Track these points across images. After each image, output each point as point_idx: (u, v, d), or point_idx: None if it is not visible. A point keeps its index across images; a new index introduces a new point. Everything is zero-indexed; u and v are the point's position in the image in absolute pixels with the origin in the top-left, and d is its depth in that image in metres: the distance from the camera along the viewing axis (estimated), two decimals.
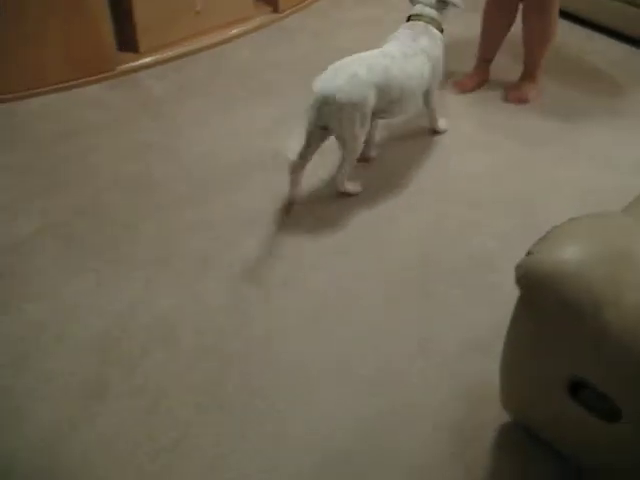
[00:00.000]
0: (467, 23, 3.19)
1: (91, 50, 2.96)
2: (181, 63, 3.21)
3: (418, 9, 2.53)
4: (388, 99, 2.37)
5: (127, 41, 3.11)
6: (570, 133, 2.90)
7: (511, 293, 1.46)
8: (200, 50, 3.30)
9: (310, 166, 2.41)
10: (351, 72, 2.25)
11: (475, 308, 2.09)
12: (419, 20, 2.51)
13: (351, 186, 2.48)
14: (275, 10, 3.61)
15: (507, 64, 3.24)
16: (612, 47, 3.52)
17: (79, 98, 2.97)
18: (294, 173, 2.40)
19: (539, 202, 2.52)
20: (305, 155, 2.32)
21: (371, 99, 2.29)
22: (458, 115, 2.96)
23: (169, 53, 3.21)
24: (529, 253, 1.41)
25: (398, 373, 1.89)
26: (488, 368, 1.72)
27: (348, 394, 1.83)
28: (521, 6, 2.94)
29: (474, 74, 3.16)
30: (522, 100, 3.09)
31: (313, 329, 2.02)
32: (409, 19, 2.54)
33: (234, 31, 3.43)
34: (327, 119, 2.27)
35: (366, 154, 2.60)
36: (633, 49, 3.49)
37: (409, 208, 2.48)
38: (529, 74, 3.10)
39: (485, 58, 3.16)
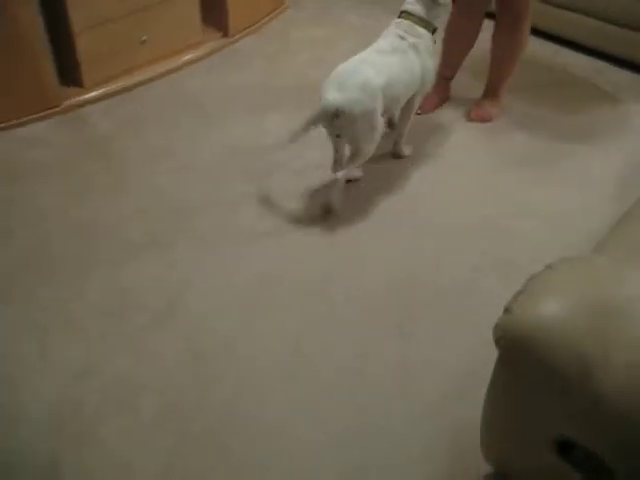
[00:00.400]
0: None
1: (32, 86, 2.80)
2: (129, 95, 3.06)
3: (408, 6, 2.46)
4: (390, 98, 2.35)
5: (71, 76, 2.96)
6: (539, 153, 2.83)
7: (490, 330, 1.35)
8: (149, 81, 3.15)
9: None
10: (361, 80, 2.21)
11: (454, 349, 2.00)
12: (407, 19, 2.45)
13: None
14: (225, 34, 3.48)
15: (467, 81, 3.15)
16: (579, 61, 3.46)
17: (22, 138, 2.80)
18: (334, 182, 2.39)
19: (512, 226, 2.45)
20: (339, 161, 2.41)
21: (381, 102, 2.27)
22: (422, 137, 2.87)
23: (116, 86, 3.06)
24: (507, 310, 1.30)
25: (378, 423, 1.80)
26: (470, 415, 1.61)
27: (326, 448, 1.73)
28: (491, 22, 2.85)
29: (434, 93, 3.06)
30: (485, 119, 3.01)
31: (283, 379, 1.91)
32: (400, 15, 2.48)
33: (183, 59, 3.29)
34: (340, 130, 2.25)
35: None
36: (601, 63, 3.43)
37: (379, 237, 2.40)
38: (492, 92, 3.02)
39: (446, 76, 3.07)
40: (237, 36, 3.52)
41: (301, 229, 2.41)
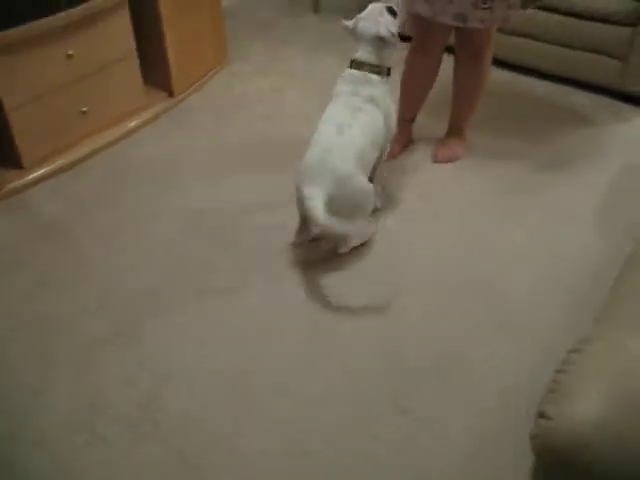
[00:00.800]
0: None
1: None
2: (73, 172, 2.85)
3: (358, 55, 2.34)
4: (362, 167, 2.28)
5: (8, 157, 2.73)
6: (515, 188, 2.73)
7: (488, 398, 1.17)
8: (93, 154, 2.94)
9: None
10: (330, 175, 2.14)
11: (457, 426, 1.84)
12: (359, 69, 2.32)
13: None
14: (170, 95, 3.29)
15: (428, 120, 3.03)
16: (539, 88, 3.38)
17: None
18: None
19: (500, 276, 2.32)
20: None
21: (358, 177, 2.25)
22: (391, 185, 2.73)
23: (58, 163, 2.84)
24: (542, 416, 1.12)
25: None
26: None
27: None
28: (451, 61, 2.74)
29: (397, 137, 2.92)
30: (452, 158, 2.91)
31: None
32: (352, 64, 2.35)
33: (129, 126, 3.09)
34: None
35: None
36: (562, 87, 3.37)
37: (364, 299, 2.24)
38: (457, 130, 2.91)
39: (407, 118, 2.93)
40: (182, 95, 3.33)
41: (279, 303, 2.23)
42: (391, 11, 2.33)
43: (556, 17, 3.24)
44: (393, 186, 2.73)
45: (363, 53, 2.32)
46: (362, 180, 2.22)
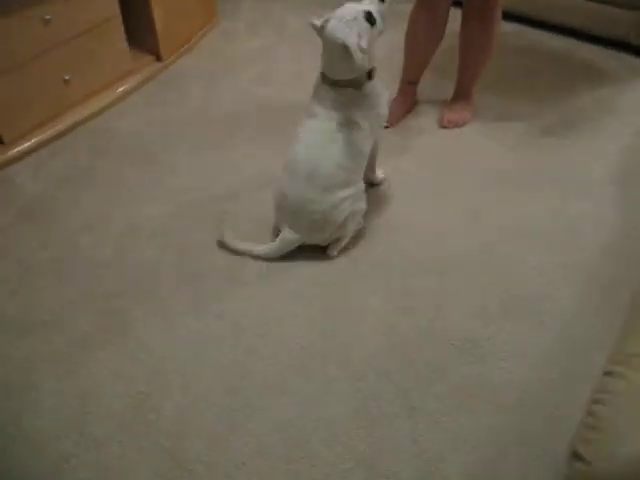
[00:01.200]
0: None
1: None
2: (59, 145, 2.67)
3: (327, 67, 1.97)
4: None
5: None
6: (525, 158, 2.55)
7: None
8: (78, 124, 2.77)
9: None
10: (320, 182, 2.01)
11: (470, 425, 1.71)
12: (334, 87, 1.97)
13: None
14: (158, 58, 3.10)
15: (434, 81, 2.84)
16: (547, 42, 3.17)
17: None
18: None
19: (513, 254, 2.17)
20: None
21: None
22: (393, 154, 2.55)
23: (42, 137, 2.67)
24: (577, 457, 0.99)
25: None
26: None
27: None
28: (459, 16, 2.54)
29: (399, 101, 2.74)
30: (459, 123, 2.74)
31: None
32: (323, 79, 2.00)
33: (116, 92, 2.91)
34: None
35: None
36: (574, 41, 3.15)
37: (366, 287, 2.09)
38: (464, 93, 2.73)
39: (411, 79, 2.75)
40: (171, 58, 3.13)
41: (277, 293, 2.08)
42: (369, 19, 1.89)
43: None
44: (393, 154, 2.56)
45: (330, 65, 1.94)
46: (345, 207, 2.05)
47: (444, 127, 2.73)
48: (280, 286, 2.07)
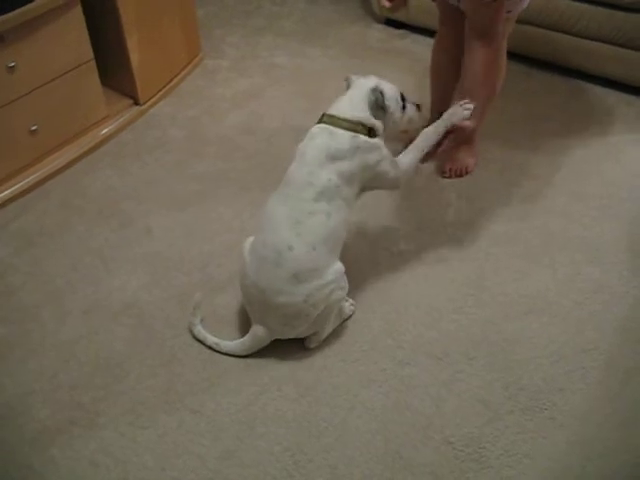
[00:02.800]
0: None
1: None
2: (23, 204, 2.47)
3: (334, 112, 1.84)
4: None
5: None
6: (529, 218, 2.36)
7: None
8: (46, 180, 2.57)
9: None
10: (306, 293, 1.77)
11: None
12: (330, 124, 1.81)
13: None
14: (136, 102, 2.88)
15: None
16: (556, 83, 2.96)
17: None
18: None
19: (516, 335, 1.96)
20: None
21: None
22: (387, 215, 2.34)
23: (5, 194, 2.46)
24: None
25: None
26: None
27: None
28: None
29: None
30: (462, 172, 2.53)
31: None
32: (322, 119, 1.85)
33: (87, 143, 2.69)
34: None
35: None
36: (582, 83, 2.94)
37: (361, 373, 1.88)
38: (466, 137, 2.49)
39: (440, 111, 2.54)
40: (150, 101, 2.92)
41: (264, 382, 1.89)
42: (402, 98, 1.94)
43: (577, 5, 2.81)
44: (389, 211, 2.37)
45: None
46: (322, 297, 1.78)
47: (445, 177, 2.52)
48: (264, 375, 1.87)
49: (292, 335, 1.86)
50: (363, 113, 1.82)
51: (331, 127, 1.80)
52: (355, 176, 1.81)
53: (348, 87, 1.90)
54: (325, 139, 1.79)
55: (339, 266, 1.83)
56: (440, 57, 2.48)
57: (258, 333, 1.84)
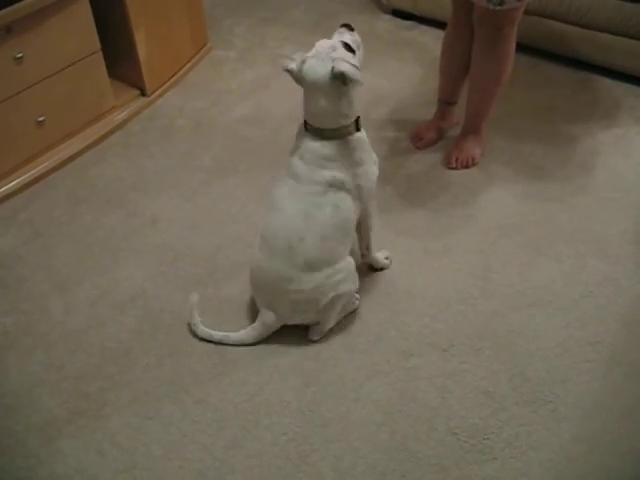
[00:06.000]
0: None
1: None
2: (31, 195, 2.48)
3: (312, 115, 1.75)
4: None
5: None
6: (536, 210, 2.35)
7: None
8: (53, 170, 2.58)
9: None
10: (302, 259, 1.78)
11: None
12: (317, 137, 1.75)
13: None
14: (143, 93, 2.88)
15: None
16: (564, 74, 2.94)
17: None
18: None
19: (522, 327, 1.97)
20: None
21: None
22: (395, 203, 2.37)
23: (13, 184, 2.47)
24: None
25: None
26: None
27: None
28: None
29: (430, 122, 2.63)
30: (468, 164, 2.52)
31: None
32: (306, 128, 1.78)
33: (95, 133, 2.70)
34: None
35: None
36: (589, 74, 2.93)
37: (364, 364, 1.89)
38: (473, 128, 2.51)
39: (446, 99, 2.58)
40: (157, 92, 2.92)
41: (270, 373, 1.90)
42: (347, 47, 1.72)
43: None
44: (396, 203, 2.38)
45: (314, 111, 1.72)
46: (330, 286, 1.81)
47: (451, 168, 2.52)
48: (270, 365, 1.88)
49: (299, 321, 1.89)
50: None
51: None
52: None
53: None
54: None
55: (350, 260, 1.86)
56: (453, 42, 2.43)
57: (267, 320, 1.87)
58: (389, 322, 1.98)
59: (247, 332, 1.90)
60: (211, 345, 1.92)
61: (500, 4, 2.08)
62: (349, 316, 1.99)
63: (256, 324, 1.89)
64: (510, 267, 2.13)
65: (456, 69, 2.48)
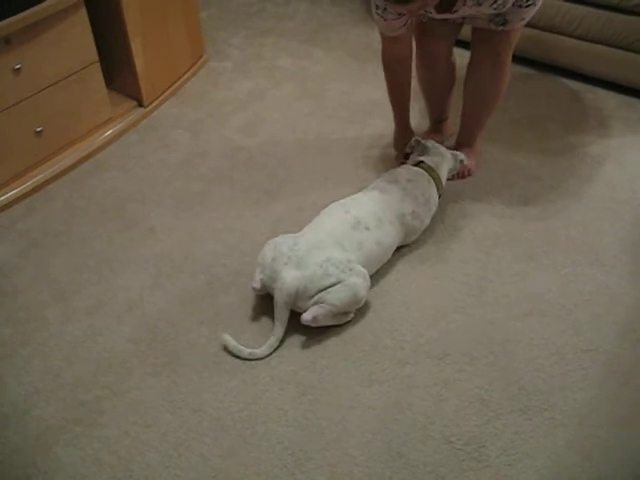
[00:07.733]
0: None
1: None
2: (28, 205, 2.49)
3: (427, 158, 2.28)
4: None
5: None
6: (531, 220, 2.36)
7: None
8: (51, 181, 2.59)
9: None
10: (323, 258, 1.90)
11: None
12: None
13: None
14: (140, 104, 2.90)
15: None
16: (558, 86, 2.97)
17: None
18: None
19: (518, 336, 1.98)
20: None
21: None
22: None
23: (10, 195, 2.48)
24: None
25: None
26: None
27: None
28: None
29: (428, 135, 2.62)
30: (463, 175, 2.54)
31: None
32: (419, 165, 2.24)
33: (92, 144, 2.71)
34: None
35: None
36: (583, 85, 2.95)
37: (361, 378, 1.88)
38: (468, 141, 2.53)
39: (436, 118, 2.58)
40: (154, 103, 2.94)
41: (267, 382, 1.90)
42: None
43: (579, 8, 2.82)
44: None
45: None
46: (334, 267, 1.92)
47: (447, 179, 2.53)
48: (266, 374, 1.88)
49: (303, 304, 1.91)
50: None
51: None
52: None
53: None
54: None
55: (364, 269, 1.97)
56: (428, 74, 2.47)
57: (281, 315, 1.91)
58: (384, 331, 1.99)
59: (271, 341, 1.92)
60: (207, 354, 1.93)
61: (503, 24, 2.10)
62: (345, 325, 1.99)
63: (275, 325, 1.93)
64: (505, 276, 2.14)
65: (440, 91, 2.52)
